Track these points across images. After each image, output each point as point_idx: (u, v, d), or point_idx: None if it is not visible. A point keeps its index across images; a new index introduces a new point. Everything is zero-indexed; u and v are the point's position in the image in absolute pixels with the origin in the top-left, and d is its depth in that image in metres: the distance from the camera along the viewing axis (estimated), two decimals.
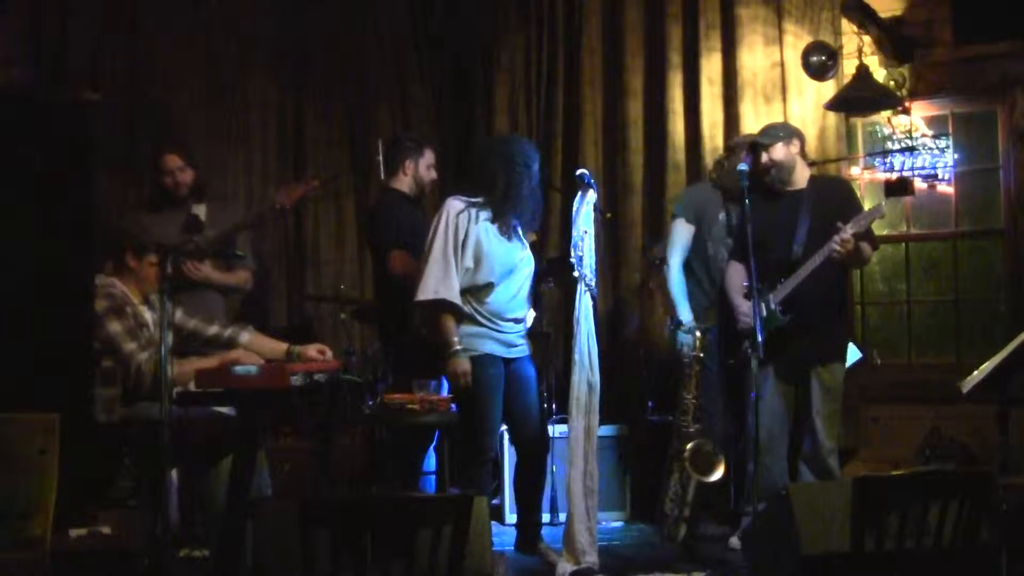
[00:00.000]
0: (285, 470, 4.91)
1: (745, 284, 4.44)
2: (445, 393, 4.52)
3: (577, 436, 4.19)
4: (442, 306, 4.23)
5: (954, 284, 6.10)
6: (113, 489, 3.87)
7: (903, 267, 6.20)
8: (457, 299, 4.23)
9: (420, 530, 2.57)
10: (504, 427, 4.72)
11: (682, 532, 4.57)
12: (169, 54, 5.99)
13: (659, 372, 5.62)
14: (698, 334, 4.80)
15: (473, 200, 4.33)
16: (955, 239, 6.10)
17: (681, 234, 5.09)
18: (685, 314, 4.89)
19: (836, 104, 5.84)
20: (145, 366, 3.93)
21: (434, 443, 5.06)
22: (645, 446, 5.46)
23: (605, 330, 5.91)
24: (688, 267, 5.12)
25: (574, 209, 4.27)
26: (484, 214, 4.32)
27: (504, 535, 4.67)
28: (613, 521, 5.35)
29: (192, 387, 3.91)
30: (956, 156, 5.98)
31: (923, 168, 5.89)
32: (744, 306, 4.57)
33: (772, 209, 4.65)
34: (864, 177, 6.04)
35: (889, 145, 5.94)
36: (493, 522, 3.97)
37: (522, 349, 4.46)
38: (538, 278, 4.67)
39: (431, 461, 5.18)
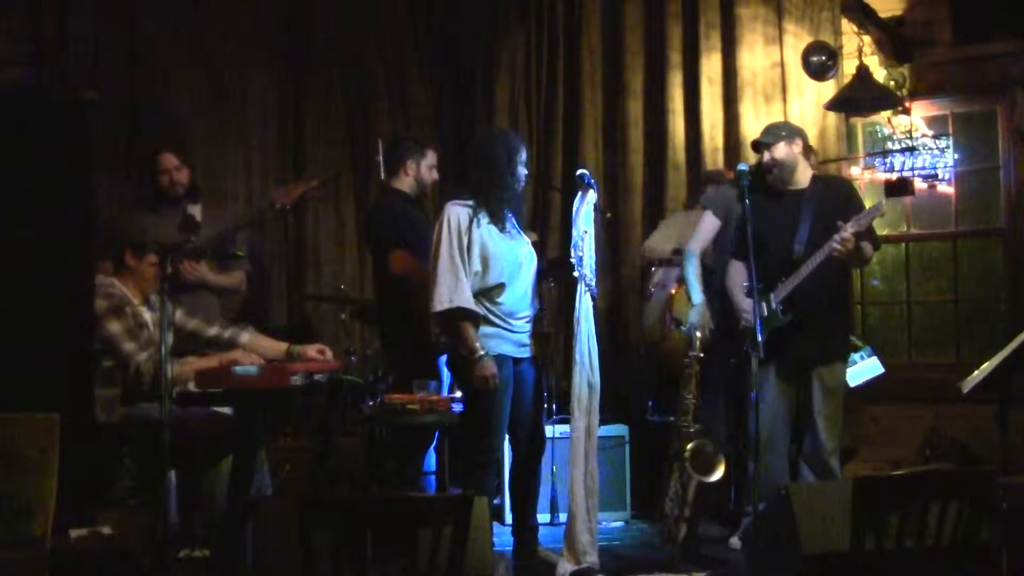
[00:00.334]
0: (285, 470, 4.91)
1: (745, 284, 4.44)
2: (445, 393, 4.52)
3: (578, 436, 4.19)
4: (458, 314, 4.21)
5: (954, 284, 6.10)
6: (113, 489, 3.87)
7: (903, 267, 6.20)
8: (472, 304, 4.21)
9: (420, 530, 2.57)
10: None
11: (682, 532, 4.56)
12: (169, 54, 5.98)
13: (659, 372, 5.62)
14: (698, 334, 4.79)
15: (471, 203, 4.33)
16: (955, 239, 6.10)
17: (708, 225, 5.03)
18: (697, 296, 4.81)
19: (836, 104, 5.84)
20: (144, 366, 3.93)
21: (434, 443, 5.06)
22: (645, 446, 5.46)
23: (605, 330, 5.91)
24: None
25: (574, 209, 4.27)
26: (484, 216, 4.32)
27: (504, 535, 4.67)
28: (613, 521, 5.34)
29: (192, 387, 3.92)
30: (956, 156, 5.98)
31: (923, 168, 5.89)
32: (745, 305, 4.56)
33: (774, 208, 4.65)
34: (864, 177, 6.05)
35: (889, 145, 5.95)
36: (493, 522, 3.97)
37: (528, 349, 4.46)
38: (539, 277, 4.66)
39: (431, 461, 5.18)
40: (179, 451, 3.74)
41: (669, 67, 6.33)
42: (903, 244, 6.17)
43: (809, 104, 6.01)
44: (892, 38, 5.85)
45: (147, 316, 4.16)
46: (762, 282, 4.33)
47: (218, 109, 6.21)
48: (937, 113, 6.06)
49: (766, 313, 4.47)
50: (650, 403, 5.57)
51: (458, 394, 4.45)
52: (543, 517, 5.01)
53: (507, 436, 4.50)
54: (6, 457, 2.94)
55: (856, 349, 5.06)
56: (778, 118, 5.82)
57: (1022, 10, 5.53)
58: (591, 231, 4.23)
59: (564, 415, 4.84)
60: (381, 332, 5.42)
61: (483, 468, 4.31)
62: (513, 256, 4.36)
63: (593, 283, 4.21)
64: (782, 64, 6.09)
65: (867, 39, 5.81)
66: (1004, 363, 4.20)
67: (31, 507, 2.93)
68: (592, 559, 4.16)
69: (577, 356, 4.21)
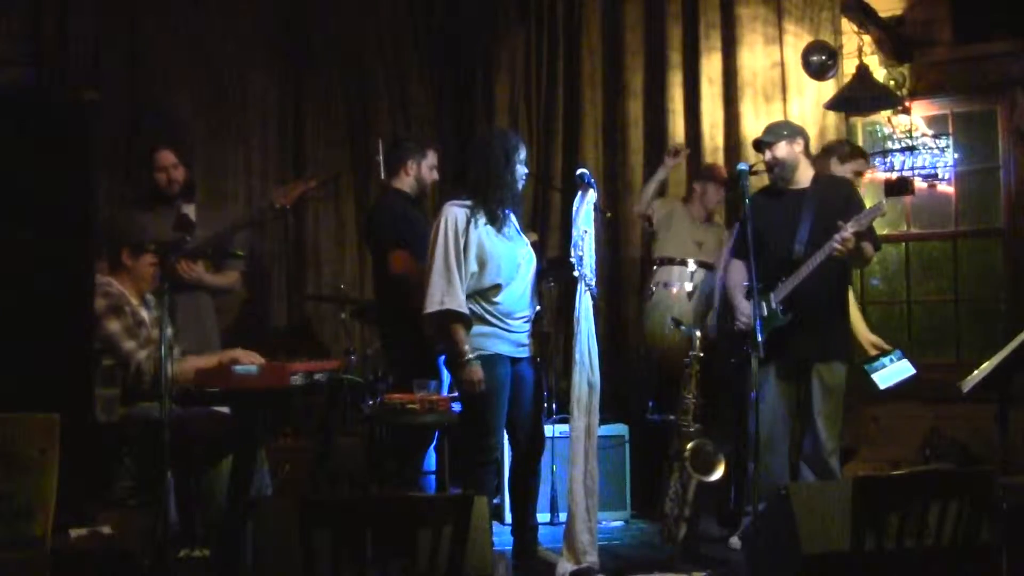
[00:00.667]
0: (285, 470, 4.91)
1: (745, 284, 4.44)
2: (445, 393, 4.52)
3: (578, 435, 4.19)
4: (449, 316, 4.22)
5: (954, 284, 6.10)
6: (113, 489, 3.87)
7: (903, 267, 6.20)
8: (462, 307, 4.21)
9: (420, 530, 2.57)
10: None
11: (682, 532, 4.56)
12: (169, 54, 5.98)
13: (659, 372, 5.62)
14: (698, 333, 4.80)
15: (469, 203, 4.33)
16: (955, 239, 6.10)
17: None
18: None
19: (836, 104, 5.84)
20: (145, 364, 3.92)
21: (434, 443, 5.06)
22: (645, 446, 5.46)
23: (605, 330, 5.91)
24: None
25: (574, 209, 4.27)
26: (481, 216, 4.32)
27: (504, 535, 4.67)
28: (613, 521, 5.34)
29: (192, 387, 3.92)
30: (956, 156, 5.99)
31: (923, 168, 5.90)
32: (745, 305, 4.56)
33: (775, 208, 4.65)
34: (864, 177, 6.04)
35: (889, 145, 5.95)
36: (493, 522, 3.97)
37: (527, 349, 4.46)
38: (538, 277, 4.66)
39: (431, 461, 5.18)
40: (179, 451, 3.73)
41: (669, 67, 6.33)
42: (903, 244, 6.17)
43: (809, 104, 6.01)
44: (892, 38, 5.85)
45: (144, 314, 4.16)
46: (762, 282, 4.33)
47: (218, 109, 6.21)
48: (937, 113, 6.06)
49: (766, 313, 4.47)
50: (650, 403, 5.57)
51: (457, 394, 4.46)
52: (543, 517, 5.01)
53: (507, 436, 4.50)
54: (6, 457, 2.93)
55: (886, 353, 5.08)
56: (778, 118, 5.82)
57: (1022, 10, 5.53)
58: (591, 231, 4.23)
59: (564, 415, 4.84)
60: (381, 332, 5.42)
61: (482, 468, 4.31)
62: (511, 256, 4.36)
63: (593, 283, 4.21)
64: (782, 64, 6.09)
65: (867, 39, 5.81)
66: (1004, 363, 4.20)
67: (31, 507, 2.93)
68: (592, 559, 4.16)
69: (577, 356, 4.21)
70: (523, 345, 4.42)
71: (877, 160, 5.93)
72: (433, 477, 5.16)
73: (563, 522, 4.41)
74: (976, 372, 4.30)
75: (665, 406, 5.30)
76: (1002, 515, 3.21)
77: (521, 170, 4.41)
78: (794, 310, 4.51)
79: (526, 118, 6.72)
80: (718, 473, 4.56)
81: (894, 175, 5.82)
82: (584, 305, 4.20)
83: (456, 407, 4.36)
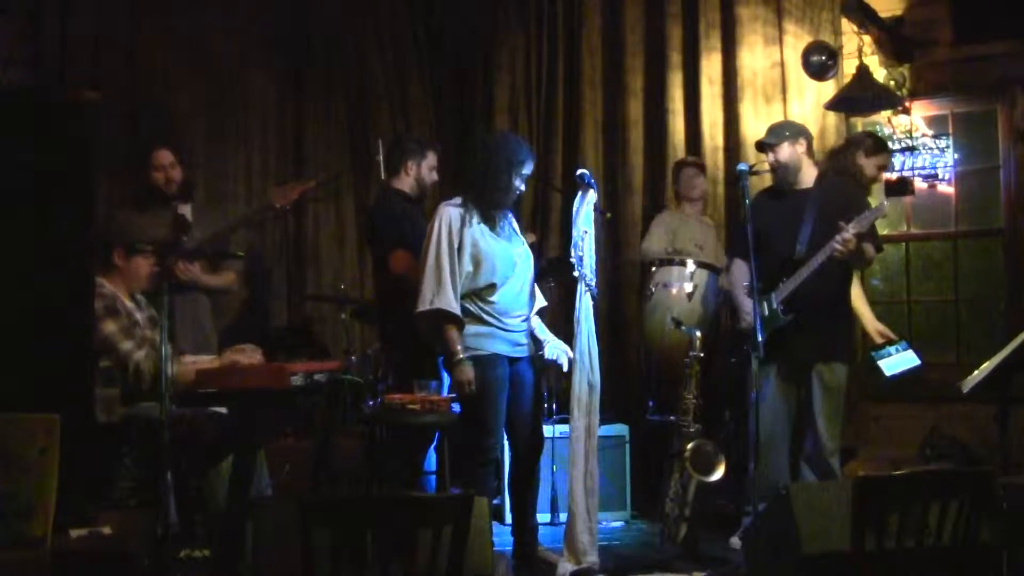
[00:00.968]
0: (285, 470, 4.91)
1: (746, 284, 4.44)
2: (445, 393, 4.52)
3: (578, 436, 4.19)
4: (440, 316, 4.23)
5: (954, 284, 6.10)
6: (113, 489, 3.86)
7: (903, 267, 6.20)
8: (454, 308, 4.23)
9: (420, 530, 2.56)
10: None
11: (682, 532, 4.56)
12: (169, 54, 5.98)
13: (659, 372, 5.62)
14: (698, 333, 4.79)
15: (464, 203, 4.34)
16: (955, 239, 6.10)
17: None
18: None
19: (836, 104, 5.83)
20: (144, 364, 3.92)
21: (434, 443, 5.06)
22: (645, 446, 5.46)
23: (605, 330, 5.90)
24: None
25: (574, 209, 4.27)
26: (475, 216, 4.32)
27: (504, 535, 4.67)
28: (613, 521, 5.34)
29: (192, 387, 3.91)
30: (956, 156, 5.99)
31: (923, 168, 5.90)
32: (746, 305, 4.56)
33: (778, 208, 4.65)
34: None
35: (889, 145, 5.94)
36: (493, 522, 3.97)
37: (525, 349, 4.46)
38: (538, 278, 4.66)
39: (431, 461, 5.18)
40: (179, 451, 3.73)
41: (669, 67, 6.33)
42: (903, 244, 6.17)
43: (809, 104, 6.01)
44: (892, 38, 5.85)
45: (137, 315, 4.16)
46: (764, 282, 4.33)
47: (218, 109, 6.21)
48: (937, 113, 6.05)
49: (767, 313, 4.47)
50: (650, 403, 5.57)
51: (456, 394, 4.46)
52: (543, 517, 5.01)
53: (506, 436, 4.50)
54: (6, 457, 2.93)
55: (892, 342, 5.08)
56: (778, 118, 5.82)
57: (1022, 10, 5.52)
58: (591, 231, 4.23)
59: (564, 415, 4.84)
60: (381, 332, 5.42)
61: (481, 467, 4.31)
62: (506, 255, 4.36)
63: (593, 283, 4.21)
64: (782, 64, 6.09)
65: (867, 39, 5.81)
66: (1004, 363, 4.20)
67: (31, 507, 2.92)
68: (592, 559, 4.16)
69: (577, 356, 4.22)
70: (521, 345, 4.43)
71: None
72: (433, 477, 5.16)
73: (563, 522, 4.42)
74: (976, 372, 4.31)
75: (665, 406, 5.31)
76: (1002, 515, 3.20)
77: (518, 183, 4.40)
78: (795, 311, 4.51)
79: (526, 118, 6.72)
80: (718, 473, 4.57)
81: (894, 175, 5.82)
82: (584, 305, 4.21)
83: (456, 407, 4.36)
